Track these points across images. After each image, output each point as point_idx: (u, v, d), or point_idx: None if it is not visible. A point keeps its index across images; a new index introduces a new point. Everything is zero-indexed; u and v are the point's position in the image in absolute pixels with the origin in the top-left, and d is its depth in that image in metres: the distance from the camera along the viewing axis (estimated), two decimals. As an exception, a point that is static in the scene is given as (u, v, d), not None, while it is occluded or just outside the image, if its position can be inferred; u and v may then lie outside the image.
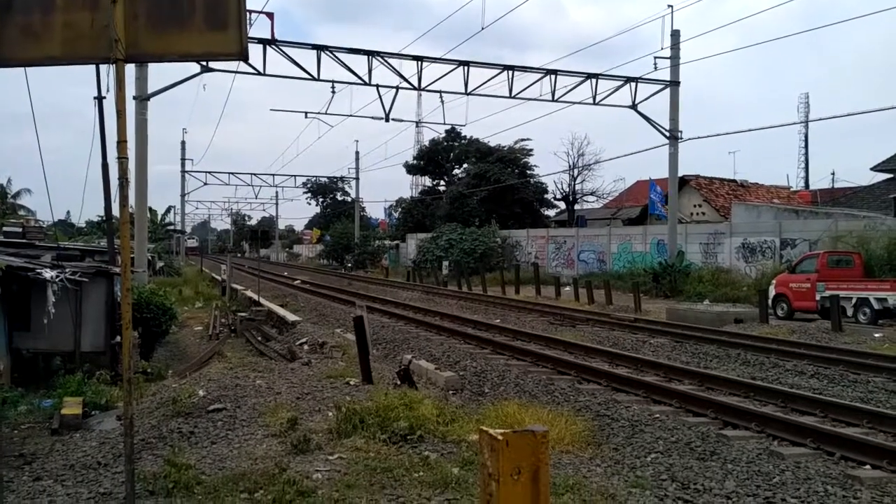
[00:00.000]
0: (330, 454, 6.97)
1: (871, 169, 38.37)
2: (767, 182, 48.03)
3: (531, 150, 56.65)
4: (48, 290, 11.72)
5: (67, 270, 12.33)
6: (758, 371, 12.58)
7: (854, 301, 19.75)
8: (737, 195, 42.74)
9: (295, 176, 70.08)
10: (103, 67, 14.10)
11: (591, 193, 55.27)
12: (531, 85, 28.68)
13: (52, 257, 14.49)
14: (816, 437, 7.80)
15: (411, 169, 69.04)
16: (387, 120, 29.74)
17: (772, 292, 22.03)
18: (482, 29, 27.54)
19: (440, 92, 29.25)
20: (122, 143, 5.26)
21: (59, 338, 12.42)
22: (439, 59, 27.63)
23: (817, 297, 20.49)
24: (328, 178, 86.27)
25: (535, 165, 56.74)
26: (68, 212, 63.82)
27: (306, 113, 38.40)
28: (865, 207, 33.36)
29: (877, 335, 17.11)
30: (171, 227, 72.70)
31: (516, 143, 56.80)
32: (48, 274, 11.79)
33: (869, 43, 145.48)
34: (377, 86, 27.60)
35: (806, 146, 68.30)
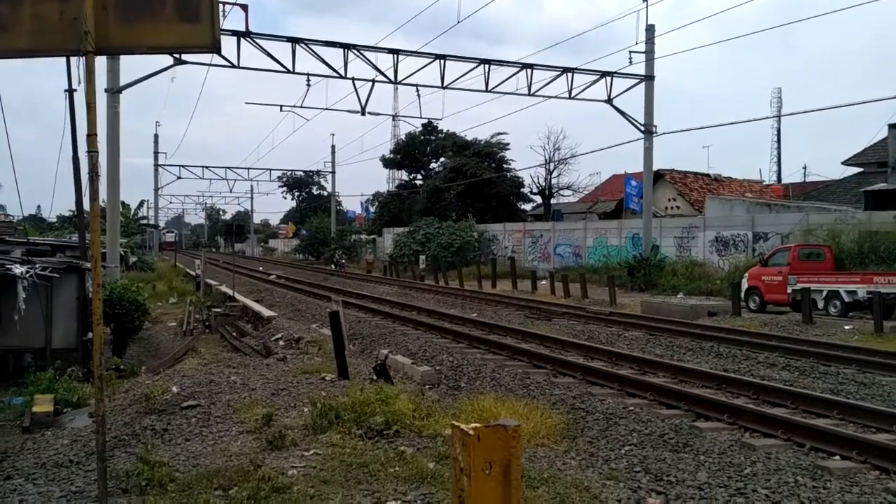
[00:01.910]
0: (305, 450, 6.96)
1: (843, 163, 39.02)
2: (740, 176, 48.64)
3: (508, 144, 56.80)
4: (18, 286, 11.55)
5: (38, 266, 12.15)
6: (730, 363, 12.72)
7: (825, 294, 20.04)
8: (710, 189, 43.19)
9: (270, 170, 69.46)
10: (74, 59, 13.93)
11: (568, 187, 55.50)
12: (508, 79, 28.74)
13: (21, 252, 14.26)
14: (787, 429, 7.90)
15: (388, 163, 68.88)
16: (363, 113, 29.66)
17: (744, 285, 22.29)
18: (458, 22, 27.69)
19: (416, 85, 29.23)
20: (91, 136, 5.18)
21: (29, 334, 12.23)
22: (415, 52, 27.56)
23: (789, 290, 20.76)
24: (304, 171, 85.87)
25: (511, 159, 56.94)
26: (39, 206, 63.14)
27: (281, 106, 38.21)
28: (836, 201, 33.87)
29: (847, 327, 17.39)
30: (145, 222, 71.90)
31: (493, 136, 56.90)
32: (18, 269, 11.62)
33: (841, 38, 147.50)
34: (353, 79, 27.48)
35: (778, 140, 69.23)
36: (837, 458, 7.17)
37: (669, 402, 9.43)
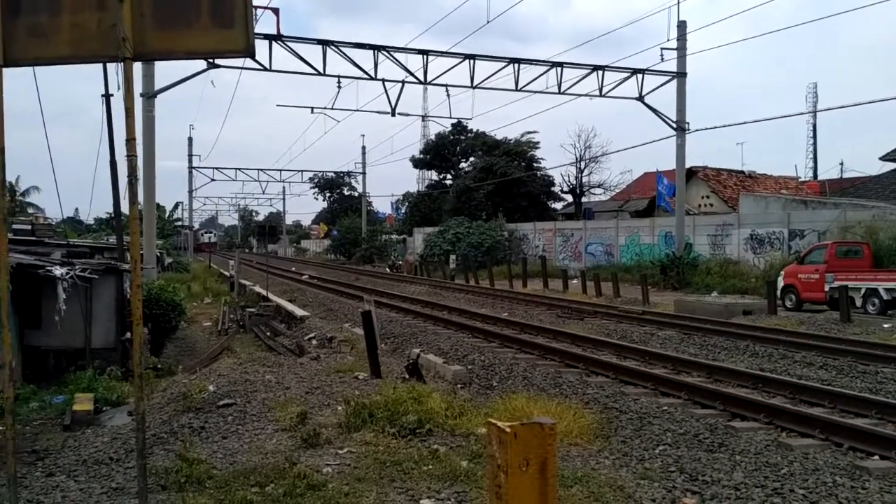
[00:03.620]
0: (339, 448, 7.03)
1: (880, 158, 38.22)
2: (775, 173, 47.88)
3: (538, 142, 56.71)
4: (58, 288, 11.82)
5: (77, 267, 12.41)
6: (766, 363, 12.57)
7: (863, 292, 19.68)
8: (745, 186, 42.59)
9: (302, 171, 69.97)
10: (111, 65, 14.20)
11: (599, 186, 55.19)
12: (537, 78, 28.63)
13: (61, 254, 14.59)
14: (825, 429, 7.80)
15: (418, 163, 69.09)
16: (393, 114, 29.74)
17: (780, 283, 21.97)
18: (487, 22, 27.81)
19: (446, 86, 29.26)
20: (131, 141, 5.29)
21: (69, 334, 12.52)
22: (445, 52, 27.60)
23: (826, 288, 20.42)
24: (335, 172, 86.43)
25: (541, 158, 56.83)
26: (76, 209, 64.26)
27: (312, 108, 38.52)
28: (874, 197, 33.20)
29: (886, 326, 17.06)
30: (180, 223, 72.97)
31: (523, 135, 56.81)
32: (58, 271, 11.88)
33: (877, 32, 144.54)
34: (383, 80, 27.59)
35: (814, 136, 68.01)
36: (876, 457, 7.06)
37: (704, 402, 9.36)
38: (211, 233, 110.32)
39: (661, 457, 7.05)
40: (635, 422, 8.36)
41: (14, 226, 21.12)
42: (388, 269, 50.01)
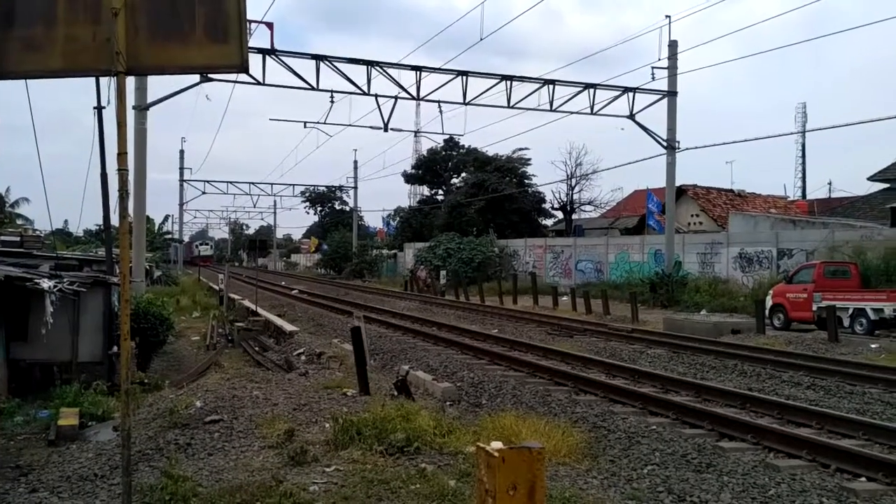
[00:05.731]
0: (327, 466, 6.98)
1: (868, 179, 38.55)
2: (765, 192, 48.18)
3: (529, 159, 56.93)
4: (46, 301, 11.71)
5: (65, 280, 12.32)
6: (754, 382, 12.60)
7: (851, 311, 19.78)
8: (734, 205, 42.86)
9: (293, 185, 69.95)
10: (103, 77, 14.13)
11: (589, 203, 55.37)
12: (529, 95, 28.79)
13: (50, 267, 14.47)
14: (812, 450, 7.82)
15: (409, 178, 69.26)
16: (385, 130, 29.82)
17: (769, 302, 22.06)
18: (481, 39, 27.68)
19: (439, 102, 29.34)
20: (122, 154, 5.28)
21: (56, 348, 12.41)
22: (438, 69, 27.73)
23: (814, 308, 20.51)
24: (326, 187, 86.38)
25: (533, 175, 56.93)
26: (66, 221, 63.58)
27: (305, 123, 38.52)
28: (862, 217, 33.47)
29: (873, 346, 17.14)
30: (169, 236, 72.66)
31: (514, 152, 57.00)
32: (46, 284, 11.77)
33: (867, 53, 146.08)
34: (376, 95, 27.67)
35: (803, 156, 68.44)
36: (863, 479, 7.08)
37: (692, 422, 9.37)
38: (206, 244, 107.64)
39: (650, 477, 7.04)
40: (623, 441, 8.35)
41: (2, 237, 20.99)
42: (411, 287, 47.52)
